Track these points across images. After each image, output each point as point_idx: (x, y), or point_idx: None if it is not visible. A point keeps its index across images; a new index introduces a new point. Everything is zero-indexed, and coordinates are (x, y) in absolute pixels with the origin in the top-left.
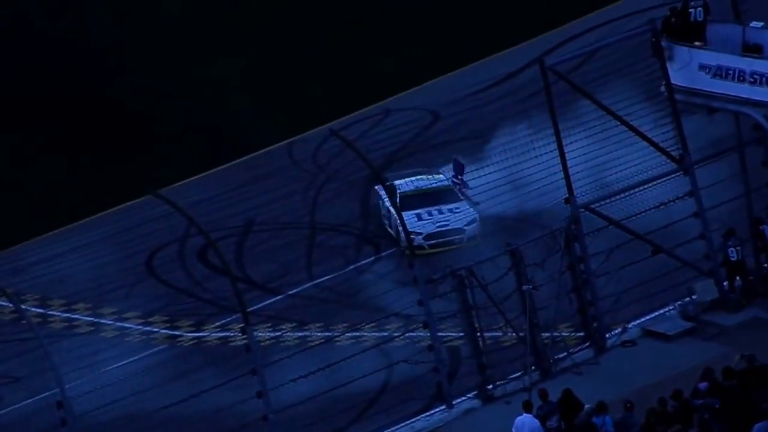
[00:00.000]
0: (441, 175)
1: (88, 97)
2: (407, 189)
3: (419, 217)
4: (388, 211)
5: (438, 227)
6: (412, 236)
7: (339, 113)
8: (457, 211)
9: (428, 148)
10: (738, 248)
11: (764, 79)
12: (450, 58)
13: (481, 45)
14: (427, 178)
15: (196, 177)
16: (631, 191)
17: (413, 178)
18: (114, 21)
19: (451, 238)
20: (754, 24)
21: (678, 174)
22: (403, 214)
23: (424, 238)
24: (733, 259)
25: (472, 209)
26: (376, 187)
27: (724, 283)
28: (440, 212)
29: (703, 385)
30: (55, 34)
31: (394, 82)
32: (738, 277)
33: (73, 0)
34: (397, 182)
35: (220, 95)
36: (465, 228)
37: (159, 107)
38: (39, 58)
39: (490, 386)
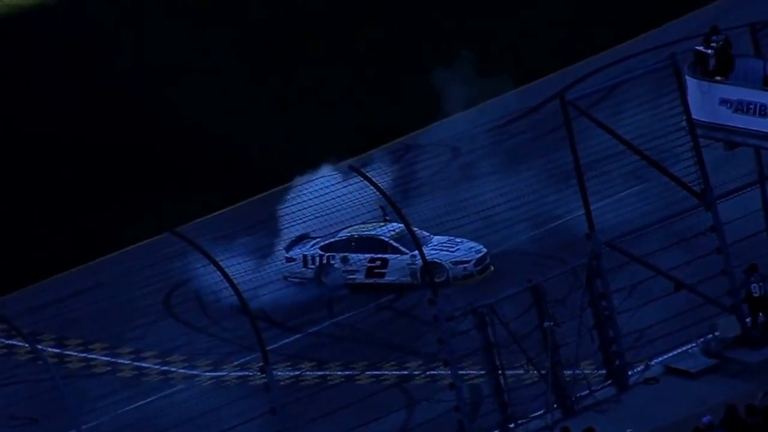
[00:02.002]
0: (381, 222)
1: (104, 132)
2: (390, 234)
3: (447, 251)
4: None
5: (477, 253)
6: (462, 265)
7: (360, 150)
8: (459, 242)
9: (449, 184)
10: (760, 284)
11: None
12: (470, 92)
13: (501, 80)
14: (382, 225)
15: (215, 213)
16: (653, 227)
17: (372, 228)
18: (134, 54)
19: (486, 263)
20: None
21: (700, 209)
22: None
23: (474, 265)
24: (755, 294)
25: (467, 240)
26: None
27: (747, 320)
28: (451, 245)
29: (706, 418)
30: (76, 66)
31: (415, 117)
32: (761, 314)
33: (93, 35)
34: (366, 233)
35: (238, 129)
36: (489, 254)
37: (175, 141)
38: (58, 89)
39: (512, 425)
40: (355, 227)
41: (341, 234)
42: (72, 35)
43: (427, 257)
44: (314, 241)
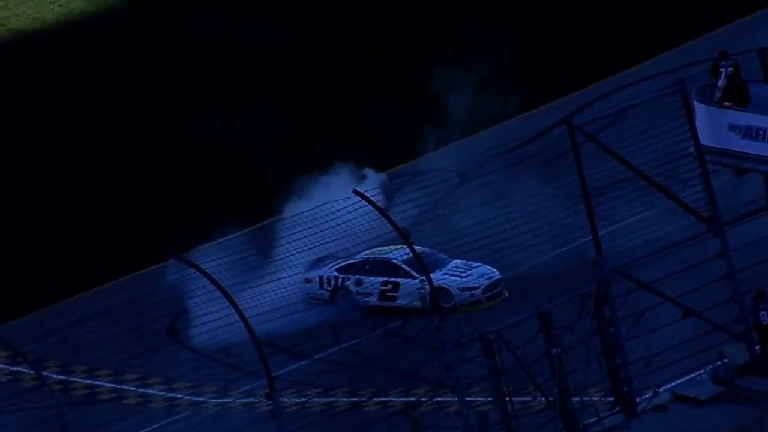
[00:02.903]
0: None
1: (111, 156)
2: (403, 258)
3: (458, 276)
4: (386, 283)
5: (488, 279)
6: (469, 292)
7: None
8: (477, 266)
9: (455, 210)
10: None
11: None
12: (477, 117)
13: (508, 104)
14: (399, 248)
15: (222, 240)
16: (661, 253)
17: (389, 250)
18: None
19: (498, 289)
20: None
21: (708, 235)
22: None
23: (482, 292)
24: (764, 322)
25: (484, 265)
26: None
27: (756, 347)
28: (464, 269)
29: None
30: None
31: (423, 142)
32: None
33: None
34: (381, 256)
35: (247, 154)
36: (501, 278)
37: (182, 165)
38: (61, 116)
39: None
40: (373, 249)
41: (359, 255)
42: (79, 58)
43: (435, 282)
44: (335, 262)
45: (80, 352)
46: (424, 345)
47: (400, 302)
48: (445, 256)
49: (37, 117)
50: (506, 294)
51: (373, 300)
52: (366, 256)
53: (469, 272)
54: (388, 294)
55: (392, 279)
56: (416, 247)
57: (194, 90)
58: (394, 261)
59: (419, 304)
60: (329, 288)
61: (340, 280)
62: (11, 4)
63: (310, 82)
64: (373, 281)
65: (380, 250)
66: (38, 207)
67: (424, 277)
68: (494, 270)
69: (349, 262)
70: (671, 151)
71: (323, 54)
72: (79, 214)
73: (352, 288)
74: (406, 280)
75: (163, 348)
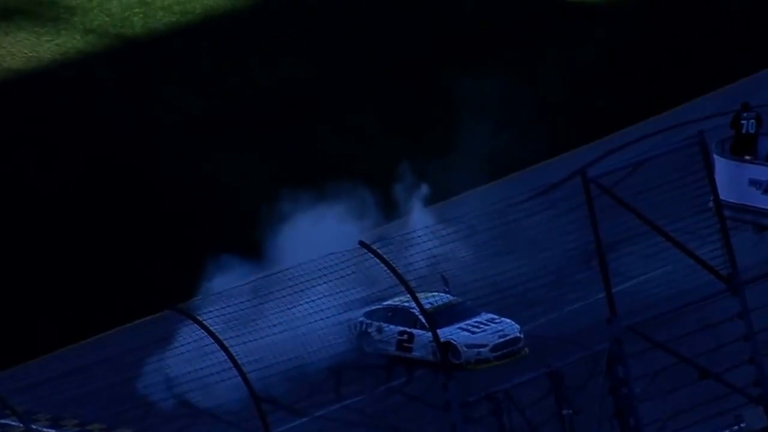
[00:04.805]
0: (440, 293)
1: (105, 201)
2: (431, 306)
3: (469, 331)
4: (403, 332)
5: (501, 338)
6: (476, 349)
7: (376, 224)
8: (498, 321)
9: (461, 265)
10: None
11: None
12: (489, 167)
13: (521, 155)
14: (433, 296)
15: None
16: (677, 311)
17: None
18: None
19: (514, 347)
20: None
21: (726, 294)
22: (442, 330)
23: (490, 350)
24: None
25: (508, 320)
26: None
27: None
28: (484, 324)
29: None
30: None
31: (434, 192)
32: None
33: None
34: (403, 304)
35: (249, 196)
36: (521, 336)
37: (181, 210)
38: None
39: None
40: (401, 297)
41: (388, 302)
42: (75, 98)
43: (444, 337)
44: (374, 306)
45: (71, 405)
46: (430, 403)
47: (415, 354)
48: (474, 307)
49: (32, 157)
50: (526, 352)
51: (391, 350)
52: (390, 303)
53: (484, 328)
54: (404, 345)
55: (408, 329)
56: (448, 296)
57: (190, 131)
58: (412, 310)
59: (431, 357)
60: (355, 333)
61: (364, 325)
62: (6, 42)
63: (314, 127)
64: (393, 330)
65: (406, 298)
66: (29, 253)
67: (437, 330)
68: (515, 327)
69: (378, 307)
70: (689, 206)
71: (320, 95)
72: (72, 261)
73: (374, 335)
74: (420, 332)
75: (157, 403)
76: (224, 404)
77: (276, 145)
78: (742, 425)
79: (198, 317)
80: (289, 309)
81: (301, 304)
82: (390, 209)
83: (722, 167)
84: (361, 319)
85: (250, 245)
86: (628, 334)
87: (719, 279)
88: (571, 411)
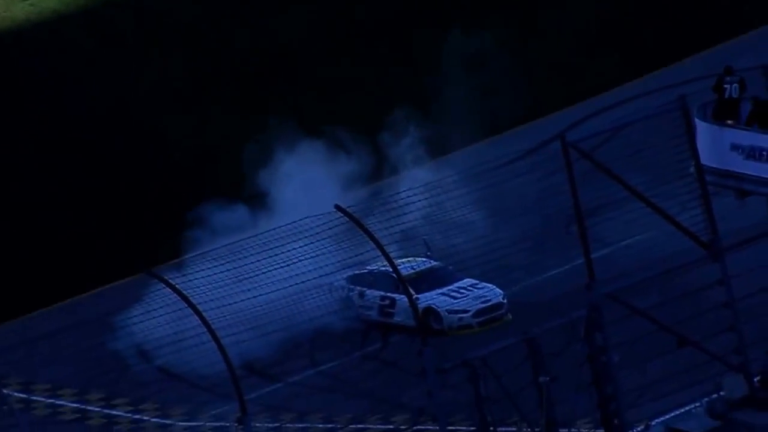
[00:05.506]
0: (422, 258)
1: (78, 165)
2: (405, 273)
3: (451, 297)
4: (384, 298)
5: (483, 303)
6: (458, 315)
7: (353, 187)
8: (481, 287)
9: (440, 228)
10: None
11: None
12: (470, 129)
13: (499, 119)
14: (414, 261)
15: (197, 254)
16: (657, 278)
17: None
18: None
19: (497, 313)
20: None
21: (707, 260)
22: (424, 296)
23: (473, 316)
24: None
25: (491, 285)
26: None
27: (755, 379)
28: (467, 290)
29: None
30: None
31: (415, 154)
32: None
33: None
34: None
35: (224, 159)
36: (504, 302)
37: (154, 174)
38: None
39: None
40: (397, 260)
41: (371, 266)
42: (50, 58)
43: (426, 302)
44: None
45: (43, 370)
46: (405, 370)
47: (396, 319)
48: (455, 272)
49: (6, 118)
50: (510, 318)
51: (373, 315)
52: (373, 268)
53: (466, 294)
54: (386, 310)
55: (390, 294)
56: (430, 261)
57: (167, 92)
58: (394, 275)
59: (413, 323)
60: (337, 298)
61: (345, 290)
62: None
63: (295, 87)
64: (374, 295)
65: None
66: (1, 216)
67: (418, 296)
68: (498, 292)
69: (360, 272)
70: (670, 171)
71: (294, 62)
72: (45, 223)
73: (356, 300)
74: (402, 297)
75: (130, 367)
76: (198, 369)
77: (257, 103)
78: (722, 393)
79: (173, 281)
80: (263, 273)
81: (277, 268)
82: (369, 171)
83: (703, 132)
84: (342, 283)
85: (232, 206)
86: (606, 301)
87: (700, 245)
88: (548, 378)
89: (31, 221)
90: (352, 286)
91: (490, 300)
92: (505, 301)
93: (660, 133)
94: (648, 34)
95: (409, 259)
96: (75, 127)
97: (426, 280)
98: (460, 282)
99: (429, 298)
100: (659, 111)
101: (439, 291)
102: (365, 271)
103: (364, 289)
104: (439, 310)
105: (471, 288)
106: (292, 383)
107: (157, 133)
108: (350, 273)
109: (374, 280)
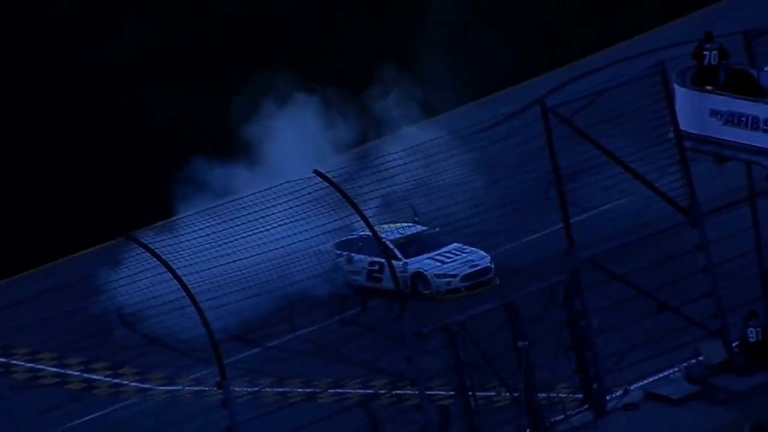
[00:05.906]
0: (410, 224)
1: (60, 130)
2: (393, 238)
3: (438, 261)
4: (373, 263)
5: (471, 267)
6: (446, 279)
7: (332, 151)
8: (468, 251)
9: (422, 193)
10: (758, 329)
11: None
12: (447, 96)
13: (480, 83)
14: (403, 226)
15: (176, 218)
16: (636, 243)
17: (387, 228)
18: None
19: (485, 278)
20: None
21: (686, 226)
22: (413, 260)
23: (461, 280)
24: (751, 339)
25: (479, 250)
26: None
27: (733, 344)
28: (454, 254)
29: None
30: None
31: (392, 120)
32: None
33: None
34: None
35: (202, 128)
36: (492, 266)
37: (133, 139)
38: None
39: None
40: (383, 226)
41: (359, 232)
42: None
43: (414, 267)
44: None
45: (22, 334)
46: (384, 334)
47: (385, 284)
48: (444, 237)
49: None
50: (497, 282)
51: (361, 280)
52: (361, 233)
53: (454, 258)
54: (375, 275)
55: (378, 259)
56: (417, 226)
57: (147, 63)
58: (383, 240)
59: (402, 288)
60: (325, 262)
61: (332, 255)
62: None
63: (264, 61)
64: (362, 260)
65: (383, 228)
66: None
67: (407, 260)
68: (485, 257)
69: (347, 238)
70: (649, 137)
71: (279, 32)
72: (26, 188)
73: (343, 265)
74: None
75: (109, 332)
76: (177, 333)
77: (236, 74)
78: (701, 359)
79: (154, 245)
80: (243, 237)
81: (259, 232)
82: (352, 136)
83: (682, 97)
84: (330, 248)
85: (213, 174)
86: (585, 266)
87: (679, 211)
88: (527, 343)
89: (10, 185)
90: (339, 251)
91: (477, 264)
92: (492, 265)
93: (640, 99)
94: None
95: (398, 224)
96: (56, 95)
97: (414, 245)
98: (448, 246)
99: (417, 263)
100: (638, 76)
101: (428, 255)
102: (355, 236)
103: (352, 254)
104: (426, 274)
105: (458, 252)
106: (271, 347)
107: (137, 100)
108: (338, 239)
109: (363, 245)
